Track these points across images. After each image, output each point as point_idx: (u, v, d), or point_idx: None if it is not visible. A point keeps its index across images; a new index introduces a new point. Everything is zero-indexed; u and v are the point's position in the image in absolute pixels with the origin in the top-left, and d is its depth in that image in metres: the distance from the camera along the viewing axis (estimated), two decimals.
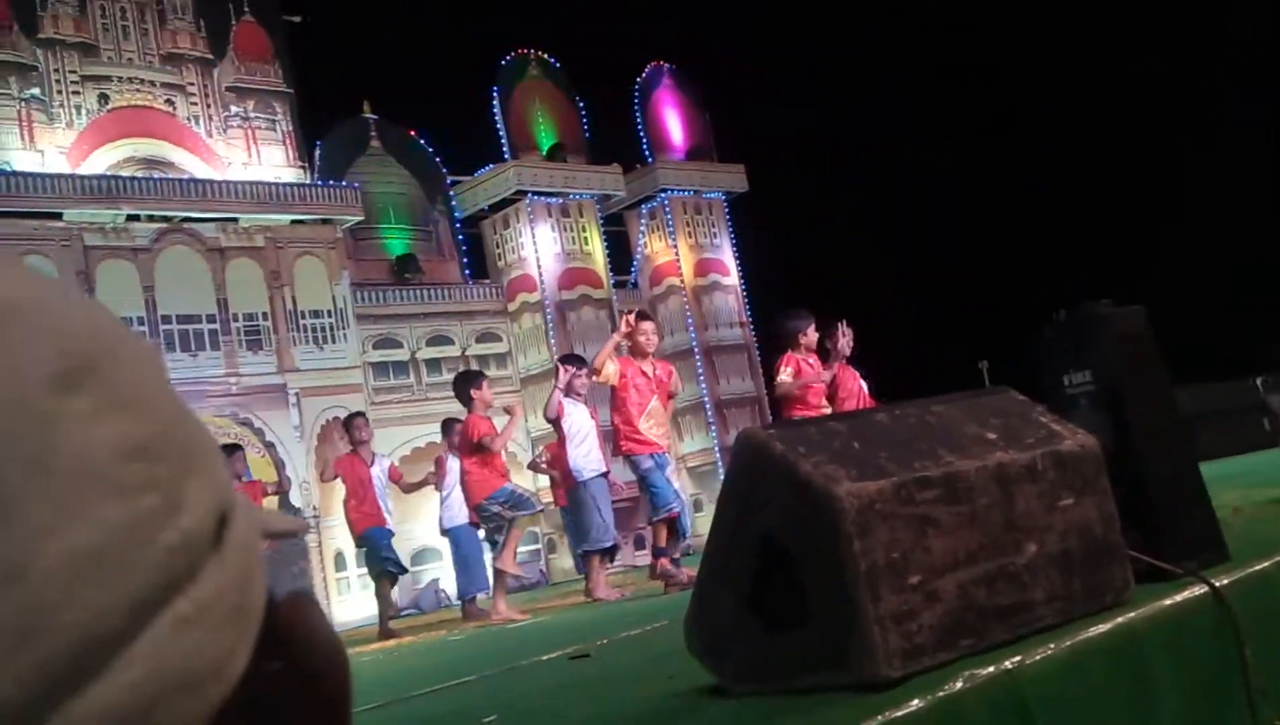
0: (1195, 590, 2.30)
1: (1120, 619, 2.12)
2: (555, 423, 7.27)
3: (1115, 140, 18.30)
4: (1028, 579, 2.10)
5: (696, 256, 16.51)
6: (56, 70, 11.86)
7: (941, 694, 1.80)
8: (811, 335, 7.17)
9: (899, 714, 1.75)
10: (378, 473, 8.09)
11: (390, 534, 8.13)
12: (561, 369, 7.31)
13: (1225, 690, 2.15)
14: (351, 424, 8.38)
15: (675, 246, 16.30)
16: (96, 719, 0.31)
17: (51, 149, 11.60)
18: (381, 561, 8.00)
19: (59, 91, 11.80)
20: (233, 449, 8.74)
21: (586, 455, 7.09)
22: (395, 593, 9.26)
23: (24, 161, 11.33)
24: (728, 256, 16.87)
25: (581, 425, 7.21)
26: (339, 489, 9.40)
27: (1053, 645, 1.99)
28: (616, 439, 6.86)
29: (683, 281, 16.23)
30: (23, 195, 10.98)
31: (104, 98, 12.10)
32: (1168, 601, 2.21)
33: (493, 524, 7.05)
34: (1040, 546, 2.14)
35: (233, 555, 0.36)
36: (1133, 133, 18.25)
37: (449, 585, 12.62)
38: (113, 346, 0.35)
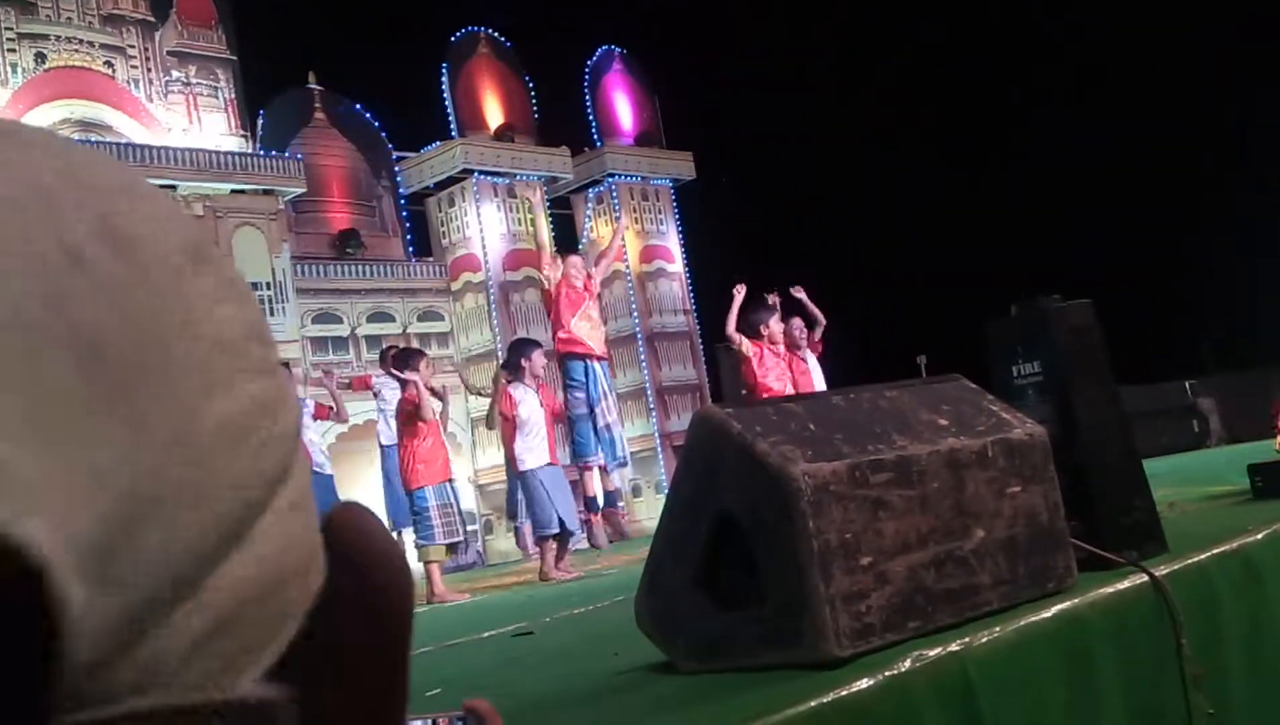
0: (1135, 579, 2.35)
1: (1064, 605, 2.16)
2: (506, 417, 7.31)
3: (1057, 133, 18.57)
4: (975, 564, 2.13)
5: (643, 242, 16.50)
6: None
7: (890, 674, 1.82)
8: (774, 326, 7.47)
9: (847, 693, 1.77)
10: (305, 416, 8.07)
11: (325, 482, 8.09)
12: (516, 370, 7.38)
13: (1163, 677, 2.20)
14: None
15: (624, 230, 16.30)
16: (231, 589, 0.32)
17: None
18: None
19: None
20: None
21: (533, 449, 7.11)
22: None
23: None
24: (673, 243, 16.89)
25: (532, 414, 7.23)
26: None
27: (998, 629, 2.02)
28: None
29: (628, 267, 16.22)
30: None
31: (41, 57, 11.79)
32: (1109, 589, 2.26)
33: (417, 518, 6.98)
34: (988, 532, 2.17)
35: (303, 455, 0.37)
36: (1071, 124, 18.55)
37: None
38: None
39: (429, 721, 1.17)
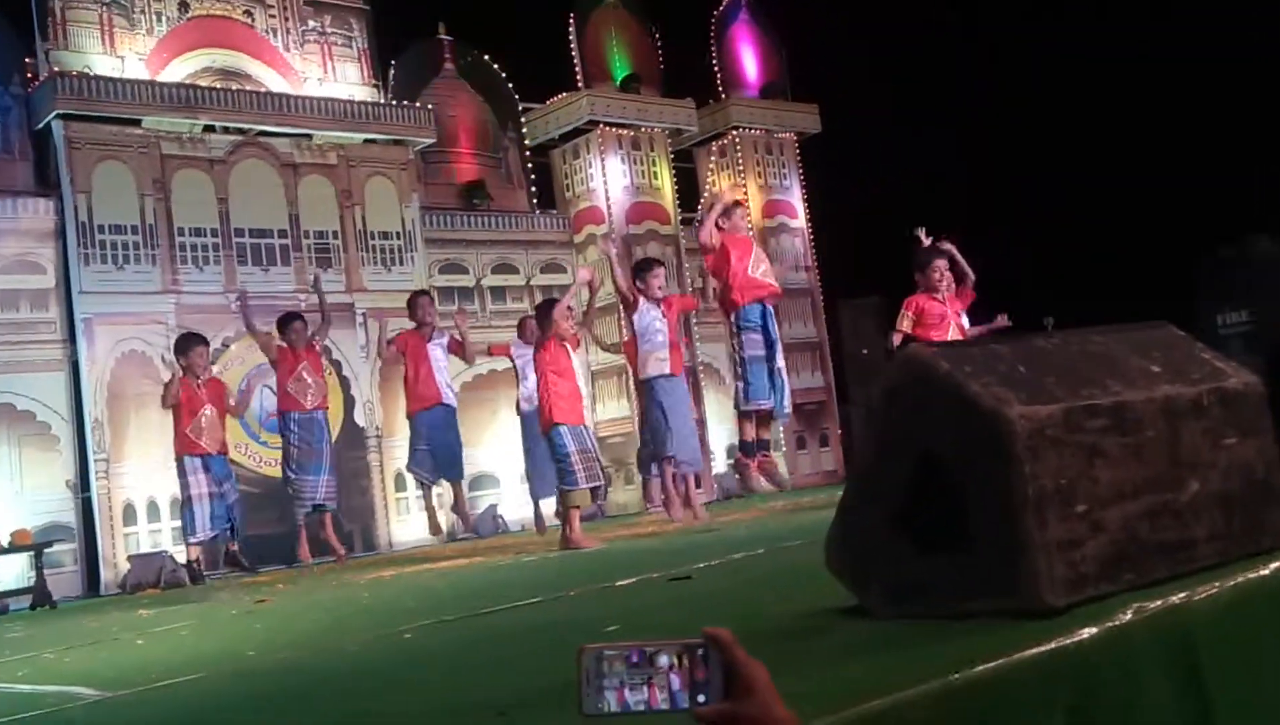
0: None
1: None
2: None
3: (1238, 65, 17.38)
4: (1190, 517, 2.04)
5: (765, 197, 16.32)
6: None
7: (1111, 624, 1.75)
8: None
9: (1068, 642, 1.70)
10: (436, 349, 8.23)
11: (445, 414, 8.27)
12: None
13: None
14: (416, 303, 8.60)
15: (744, 185, 16.12)
16: None
17: (131, 55, 11.61)
18: (414, 459, 8.23)
19: None
20: (293, 318, 9.01)
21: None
22: (442, 514, 9.42)
23: (104, 66, 11.35)
24: (796, 198, 16.66)
25: (651, 324, 7.35)
26: (401, 414, 9.49)
27: (1218, 584, 1.93)
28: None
29: (749, 221, 16.06)
30: (103, 100, 11.02)
31: (184, 6, 12.07)
32: None
33: (560, 465, 7.05)
34: (1203, 484, 2.07)
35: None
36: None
37: (506, 511, 12.73)
38: None
39: (670, 649, 1.15)
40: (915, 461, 2.00)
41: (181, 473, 8.03)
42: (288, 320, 8.88)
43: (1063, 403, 1.92)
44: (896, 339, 6.96)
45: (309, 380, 8.51)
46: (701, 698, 1.09)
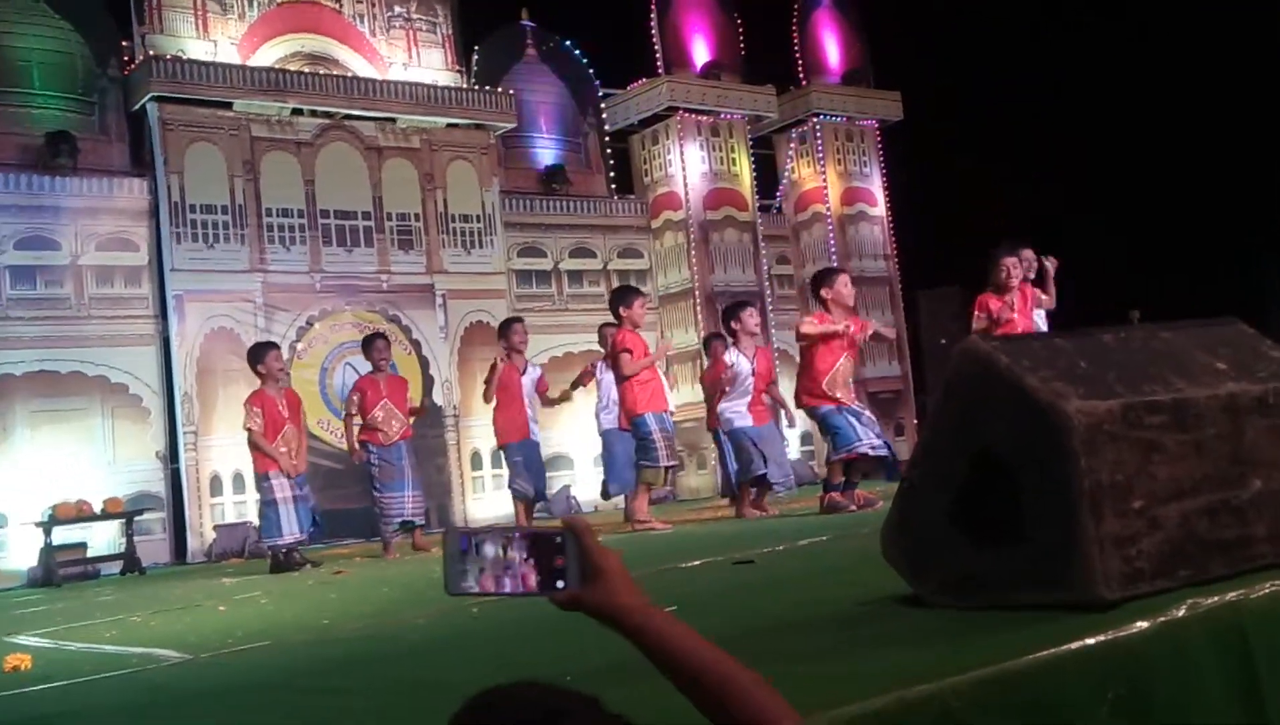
0: None
1: None
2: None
3: None
4: (1251, 514, 2.03)
5: (845, 185, 16.20)
6: None
7: (1164, 620, 1.76)
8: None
9: (1122, 634, 1.72)
10: (528, 382, 8.16)
11: (535, 447, 8.19)
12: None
13: None
14: (509, 328, 8.37)
15: (824, 173, 16.03)
16: None
17: (223, 40, 11.91)
18: (517, 481, 8.06)
19: None
20: (373, 338, 8.39)
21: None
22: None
23: (197, 51, 11.66)
24: (876, 186, 16.52)
25: (741, 372, 7.42)
26: (478, 395, 9.46)
27: (1274, 583, 1.93)
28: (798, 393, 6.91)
29: (829, 209, 15.97)
30: (196, 83, 11.32)
31: None
32: None
33: (642, 443, 7.16)
34: (1266, 483, 2.06)
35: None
36: None
37: (581, 492, 12.86)
38: None
39: (531, 537, 1.19)
40: (973, 454, 2.02)
41: (265, 479, 7.54)
42: (370, 339, 8.38)
43: (1122, 398, 1.93)
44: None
45: (391, 414, 8.02)
46: (560, 583, 1.16)
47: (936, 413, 2.11)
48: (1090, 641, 1.69)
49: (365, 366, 8.65)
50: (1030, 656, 1.65)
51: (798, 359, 7.42)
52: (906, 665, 1.65)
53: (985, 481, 1.99)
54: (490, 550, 1.18)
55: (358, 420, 7.98)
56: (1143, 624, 1.72)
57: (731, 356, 7.50)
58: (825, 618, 2.24)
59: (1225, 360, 2.13)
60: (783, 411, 8.87)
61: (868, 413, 6.91)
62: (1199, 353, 2.13)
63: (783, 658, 1.77)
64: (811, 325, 6.77)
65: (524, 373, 8.19)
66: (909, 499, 2.16)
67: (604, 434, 8.41)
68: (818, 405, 6.61)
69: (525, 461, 8.02)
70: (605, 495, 8.74)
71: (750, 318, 7.58)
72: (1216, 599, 1.83)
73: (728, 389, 7.47)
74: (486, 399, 8.30)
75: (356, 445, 7.97)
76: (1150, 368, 2.04)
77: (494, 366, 8.11)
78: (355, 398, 8.03)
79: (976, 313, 6.70)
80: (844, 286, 6.89)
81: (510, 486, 8.26)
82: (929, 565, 2.12)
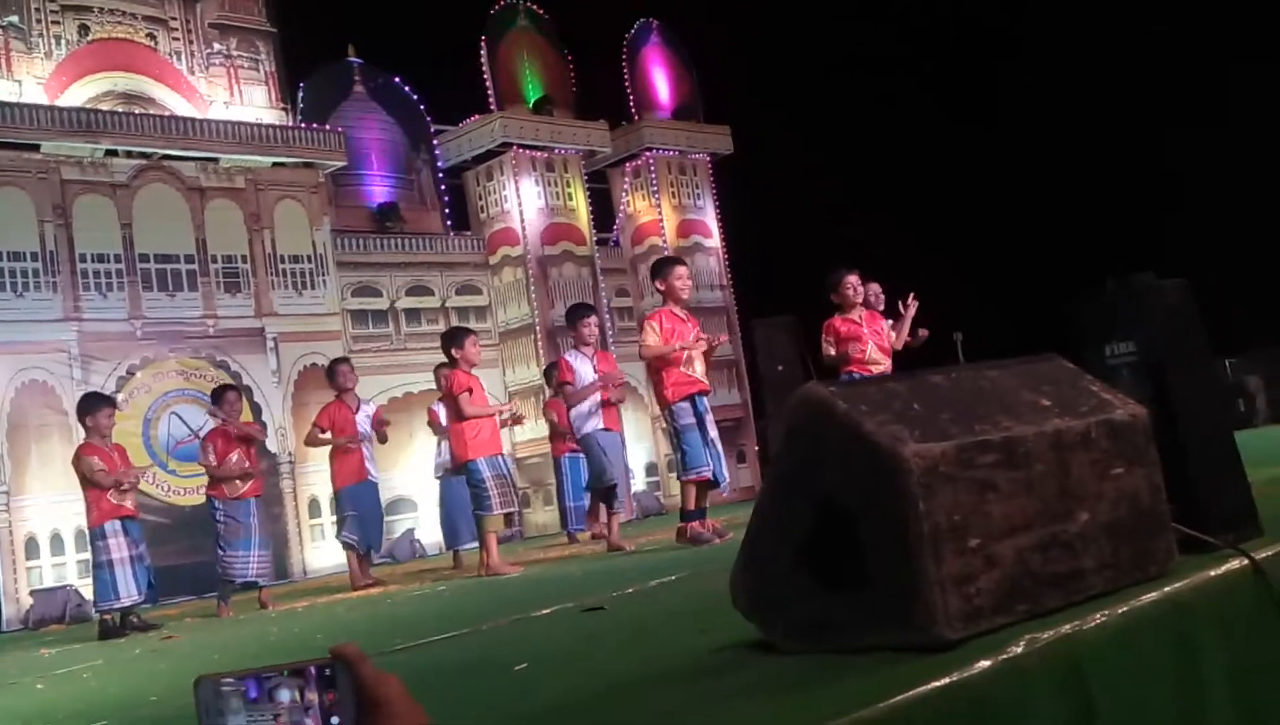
0: (1235, 563, 2.31)
1: (1167, 590, 2.12)
2: (563, 385, 7.37)
3: (1109, 114, 18.22)
4: (1080, 547, 2.10)
5: (680, 217, 16.45)
6: None
7: (1004, 657, 1.80)
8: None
9: (965, 675, 1.74)
10: (363, 419, 8.02)
11: (373, 488, 8.04)
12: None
13: (1268, 663, 2.17)
14: (335, 371, 8.28)
15: (659, 206, 16.23)
16: None
17: (29, 79, 11.33)
18: (347, 529, 7.88)
19: (38, 21, 11.50)
20: (224, 391, 8.21)
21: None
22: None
23: (1, 91, 11.07)
24: (710, 218, 16.82)
25: (585, 379, 7.34)
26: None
27: (1105, 613, 1.99)
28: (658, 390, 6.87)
29: (665, 241, 16.17)
30: (0, 125, 10.73)
31: (84, 29, 11.82)
32: (1210, 574, 2.22)
33: (475, 492, 7.03)
34: (1092, 515, 2.13)
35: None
36: (1121, 106, 18.19)
37: (424, 535, 12.59)
38: None
39: (295, 678, 1.09)
40: (815, 499, 2.03)
41: (101, 537, 7.06)
42: (220, 392, 8.12)
43: (955, 439, 1.97)
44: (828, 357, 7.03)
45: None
46: (335, 719, 1.02)
47: (778, 457, 2.12)
48: (936, 684, 1.71)
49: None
50: (881, 704, 1.66)
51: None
52: (761, 721, 1.63)
53: (828, 525, 2.01)
54: (246, 698, 1.04)
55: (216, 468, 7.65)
56: (984, 663, 1.75)
57: (572, 358, 7.42)
58: (677, 671, 2.22)
59: (1049, 397, 2.21)
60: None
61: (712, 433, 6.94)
62: (1024, 391, 2.20)
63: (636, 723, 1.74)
64: (649, 348, 6.79)
65: (357, 411, 8.05)
66: (755, 546, 2.16)
67: (443, 480, 8.34)
68: (680, 416, 6.62)
69: (361, 508, 7.86)
70: (449, 546, 8.67)
71: (585, 327, 7.53)
72: (1052, 633, 1.88)
73: (572, 392, 7.35)
74: (307, 442, 8.26)
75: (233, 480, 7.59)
76: (979, 407, 2.09)
77: (324, 410, 8.06)
78: (209, 447, 7.67)
79: (824, 337, 6.81)
80: (678, 279, 6.87)
81: (338, 538, 8.08)
82: (777, 612, 2.12)
